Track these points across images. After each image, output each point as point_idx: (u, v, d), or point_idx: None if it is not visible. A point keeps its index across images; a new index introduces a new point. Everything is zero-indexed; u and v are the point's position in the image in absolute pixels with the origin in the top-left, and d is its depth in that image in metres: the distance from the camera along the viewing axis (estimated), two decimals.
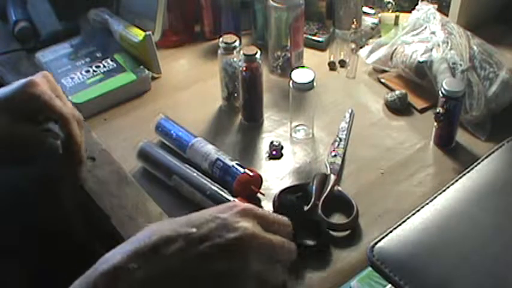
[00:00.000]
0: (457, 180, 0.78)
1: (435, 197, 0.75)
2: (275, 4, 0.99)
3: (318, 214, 0.76)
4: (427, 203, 0.74)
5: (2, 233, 0.88)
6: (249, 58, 0.89)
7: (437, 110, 0.86)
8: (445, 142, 0.89)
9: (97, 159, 0.88)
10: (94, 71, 1.03)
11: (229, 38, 0.92)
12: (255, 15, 1.11)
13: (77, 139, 0.77)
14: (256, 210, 0.58)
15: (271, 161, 0.88)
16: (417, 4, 1.05)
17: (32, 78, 0.75)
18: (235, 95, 0.96)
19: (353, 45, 1.06)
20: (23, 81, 0.75)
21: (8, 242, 0.90)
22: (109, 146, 0.90)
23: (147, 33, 1.02)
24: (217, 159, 0.82)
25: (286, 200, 0.77)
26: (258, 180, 0.81)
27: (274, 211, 0.78)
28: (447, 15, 1.06)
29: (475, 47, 0.94)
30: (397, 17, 1.14)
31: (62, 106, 0.76)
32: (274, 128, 0.94)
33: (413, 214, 0.72)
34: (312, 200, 0.78)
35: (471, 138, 0.90)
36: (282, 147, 0.89)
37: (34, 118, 0.77)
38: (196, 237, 0.52)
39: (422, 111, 0.96)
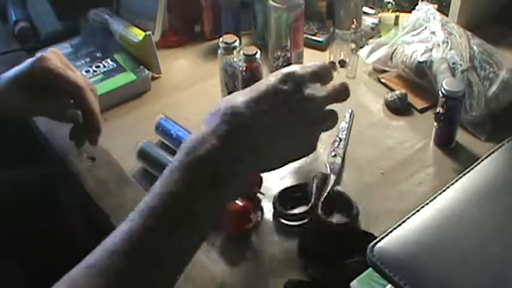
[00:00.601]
0: (457, 180, 0.77)
1: (435, 197, 0.75)
2: (275, 4, 0.99)
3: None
4: (427, 203, 0.74)
5: (2, 232, 0.88)
6: (249, 58, 0.89)
7: (437, 110, 0.86)
8: (445, 142, 0.89)
9: (97, 159, 0.88)
10: (94, 71, 1.03)
11: (229, 38, 0.92)
12: (255, 15, 1.11)
13: (94, 107, 0.78)
14: (301, 73, 0.63)
15: None
16: (417, 4, 1.05)
17: (42, 54, 0.76)
18: None
19: (353, 45, 1.06)
20: (34, 58, 0.76)
21: (8, 241, 0.90)
22: (109, 146, 0.90)
23: (147, 33, 1.02)
24: None
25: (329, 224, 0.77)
26: (258, 180, 0.81)
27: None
28: (447, 15, 1.06)
29: (475, 47, 0.94)
30: (397, 17, 1.14)
31: (76, 77, 0.77)
32: None
33: (413, 214, 0.72)
34: (312, 200, 0.78)
35: (471, 138, 0.90)
36: None
37: (50, 92, 0.78)
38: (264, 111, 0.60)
39: (422, 111, 0.96)
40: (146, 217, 0.54)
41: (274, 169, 0.64)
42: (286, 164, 0.65)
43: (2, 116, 0.78)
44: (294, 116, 0.61)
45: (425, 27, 1.00)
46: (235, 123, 0.58)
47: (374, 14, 1.13)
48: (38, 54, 0.77)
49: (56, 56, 0.78)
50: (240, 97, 0.60)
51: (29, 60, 0.77)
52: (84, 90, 0.77)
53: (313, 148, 0.67)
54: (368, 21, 1.13)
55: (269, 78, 0.62)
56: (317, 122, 0.65)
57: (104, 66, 1.04)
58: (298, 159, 0.66)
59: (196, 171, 0.56)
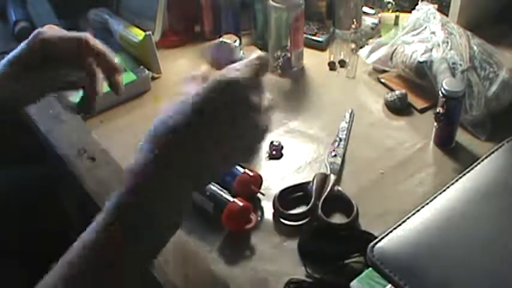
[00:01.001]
0: (457, 180, 0.78)
1: (435, 197, 0.75)
2: (275, 4, 0.99)
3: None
4: (427, 203, 0.74)
5: (2, 232, 0.88)
6: None
7: (437, 110, 0.86)
8: (445, 142, 0.89)
9: (97, 159, 0.88)
10: None
11: (229, 38, 0.92)
12: (255, 15, 1.11)
13: (100, 47, 0.76)
14: (244, 81, 0.57)
15: (271, 161, 0.88)
16: (417, 4, 1.05)
17: (38, 30, 0.76)
18: None
19: (353, 45, 1.06)
20: (30, 36, 0.75)
21: (8, 241, 0.90)
22: (109, 146, 0.90)
23: (147, 33, 1.02)
24: None
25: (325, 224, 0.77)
26: (258, 180, 0.81)
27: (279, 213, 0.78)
28: (447, 15, 1.06)
29: (475, 47, 0.94)
30: (397, 17, 1.14)
31: (73, 34, 0.76)
32: (274, 128, 0.94)
33: (414, 214, 0.72)
34: (312, 200, 0.78)
35: (471, 138, 0.90)
36: (282, 147, 0.89)
37: (54, 64, 0.76)
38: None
39: (422, 111, 0.96)
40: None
41: (213, 181, 0.62)
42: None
43: (11, 101, 0.77)
44: (235, 127, 0.56)
45: (425, 27, 1.00)
46: (168, 146, 0.54)
47: (374, 14, 1.13)
48: (35, 31, 0.76)
49: (52, 28, 0.77)
50: (175, 117, 0.54)
51: (27, 40, 0.76)
52: (84, 38, 0.75)
53: (254, 154, 0.60)
54: (368, 21, 1.13)
55: (208, 90, 0.55)
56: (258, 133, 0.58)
57: None
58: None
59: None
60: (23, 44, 0.76)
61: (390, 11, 1.16)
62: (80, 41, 0.75)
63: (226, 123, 0.55)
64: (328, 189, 0.80)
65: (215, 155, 0.55)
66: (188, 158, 0.53)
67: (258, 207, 0.80)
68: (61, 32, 0.77)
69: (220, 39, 0.98)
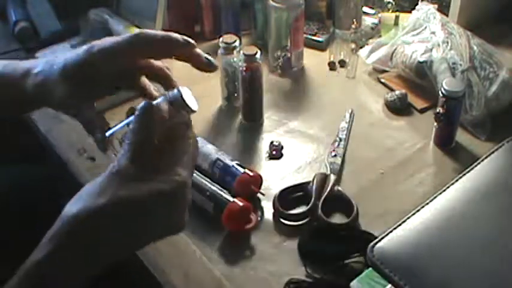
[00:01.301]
0: (457, 180, 0.78)
1: (435, 197, 0.75)
2: (275, 4, 0.99)
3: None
4: (427, 203, 0.74)
5: (2, 232, 0.88)
6: (249, 58, 0.89)
7: (437, 110, 0.86)
8: (445, 142, 0.89)
9: (97, 159, 0.88)
10: None
11: (229, 38, 0.92)
12: (255, 15, 1.11)
13: (156, 33, 0.67)
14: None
15: (271, 161, 0.88)
16: (417, 4, 1.05)
17: (93, 42, 0.69)
18: (235, 95, 0.96)
19: (353, 45, 1.06)
20: (85, 47, 0.68)
21: (8, 241, 0.90)
22: None
23: None
24: (218, 159, 0.82)
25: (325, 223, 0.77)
26: (258, 180, 0.81)
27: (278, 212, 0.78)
28: (447, 15, 1.06)
29: (475, 47, 0.94)
30: (397, 17, 1.14)
31: (125, 37, 0.67)
32: (274, 128, 0.94)
33: (414, 214, 0.72)
34: (312, 200, 0.78)
35: (471, 138, 0.90)
36: (282, 147, 0.89)
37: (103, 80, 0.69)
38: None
39: (422, 111, 0.96)
40: None
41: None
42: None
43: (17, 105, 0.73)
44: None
45: (425, 27, 1.00)
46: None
47: (374, 14, 1.13)
48: (88, 45, 0.68)
49: (108, 39, 0.69)
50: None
51: (78, 52, 0.69)
52: (136, 37, 0.65)
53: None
54: (368, 21, 1.13)
55: (153, 192, 0.56)
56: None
57: None
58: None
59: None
60: (75, 54, 0.69)
61: (390, 11, 1.16)
62: (131, 42, 0.66)
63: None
64: (328, 189, 0.80)
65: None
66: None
67: (258, 207, 0.80)
68: (114, 41, 0.68)
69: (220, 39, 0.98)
